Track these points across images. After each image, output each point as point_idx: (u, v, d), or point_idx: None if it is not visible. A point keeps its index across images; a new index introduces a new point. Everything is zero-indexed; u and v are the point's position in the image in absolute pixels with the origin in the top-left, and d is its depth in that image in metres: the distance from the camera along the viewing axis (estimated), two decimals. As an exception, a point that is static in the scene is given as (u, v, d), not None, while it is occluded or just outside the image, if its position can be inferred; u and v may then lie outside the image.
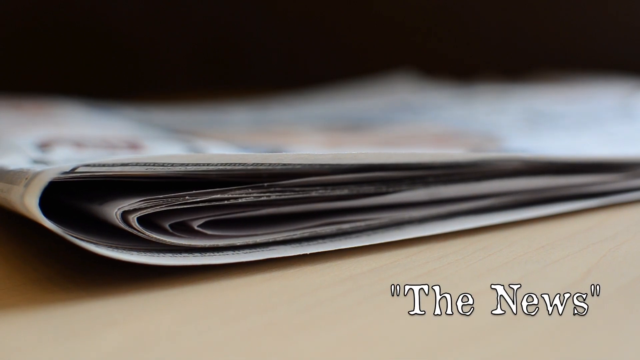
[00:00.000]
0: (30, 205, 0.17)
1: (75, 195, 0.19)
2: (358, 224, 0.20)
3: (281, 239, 0.19)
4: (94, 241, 0.18)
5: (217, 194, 0.19)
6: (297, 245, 0.20)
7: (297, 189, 0.20)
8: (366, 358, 0.14)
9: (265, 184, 0.19)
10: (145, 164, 0.18)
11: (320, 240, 0.20)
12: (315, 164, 0.20)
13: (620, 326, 0.15)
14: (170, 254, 0.18)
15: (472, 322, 0.15)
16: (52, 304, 0.17)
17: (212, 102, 0.53)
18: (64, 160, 0.24)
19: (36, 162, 0.24)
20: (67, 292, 0.18)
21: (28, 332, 0.16)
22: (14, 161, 0.23)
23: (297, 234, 0.20)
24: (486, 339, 0.15)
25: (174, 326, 0.16)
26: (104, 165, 0.18)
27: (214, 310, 0.16)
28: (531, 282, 0.17)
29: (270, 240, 0.19)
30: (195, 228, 0.19)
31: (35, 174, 0.17)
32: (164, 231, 0.18)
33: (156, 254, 0.18)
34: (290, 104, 0.53)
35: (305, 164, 0.19)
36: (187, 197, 0.18)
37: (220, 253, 0.19)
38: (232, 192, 0.19)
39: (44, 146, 0.27)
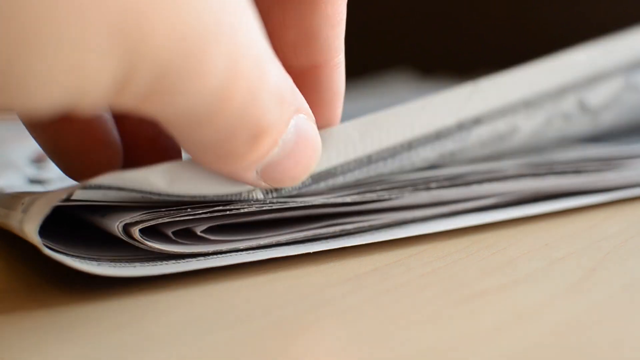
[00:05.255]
0: (30, 232, 0.17)
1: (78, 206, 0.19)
2: (361, 224, 0.20)
3: (284, 241, 0.19)
4: (96, 256, 0.18)
5: (219, 206, 0.18)
6: (301, 246, 0.19)
7: (299, 199, 0.19)
8: (371, 358, 0.14)
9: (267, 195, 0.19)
10: (140, 191, 0.18)
11: (323, 241, 0.20)
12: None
13: (626, 324, 0.15)
14: (174, 260, 0.18)
15: (477, 321, 0.15)
16: (52, 305, 0.17)
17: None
18: (59, 177, 0.24)
19: (32, 181, 0.24)
20: (67, 294, 0.18)
21: (28, 333, 0.16)
22: (10, 182, 0.23)
23: (301, 235, 0.20)
24: (491, 337, 0.14)
25: (178, 328, 0.16)
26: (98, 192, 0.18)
27: (218, 312, 0.16)
28: (536, 279, 0.17)
29: (274, 243, 0.19)
30: (199, 234, 0.18)
31: (32, 202, 0.17)
32: (166, 237, 0.18)
33: (159, 262, 0.18)
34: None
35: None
36: (188, 210, 0.18)
37: (224, 255, 0.19)
38: (234, 205, 0.19)
39: (38, 161, 0.28)
